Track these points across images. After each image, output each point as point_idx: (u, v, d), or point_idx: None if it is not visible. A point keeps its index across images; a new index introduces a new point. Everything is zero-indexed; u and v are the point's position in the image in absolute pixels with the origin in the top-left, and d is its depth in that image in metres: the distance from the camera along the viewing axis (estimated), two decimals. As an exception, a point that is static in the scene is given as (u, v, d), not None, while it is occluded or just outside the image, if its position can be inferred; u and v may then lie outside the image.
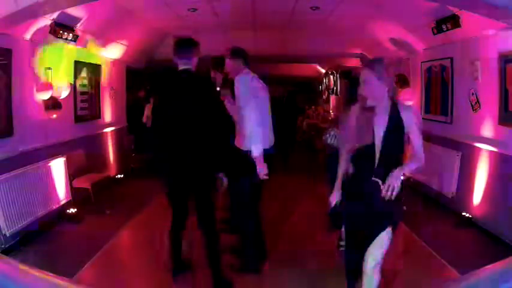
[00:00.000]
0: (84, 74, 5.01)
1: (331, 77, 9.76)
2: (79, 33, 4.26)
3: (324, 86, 10.94)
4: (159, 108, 2.64)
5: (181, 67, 2.59)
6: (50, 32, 3.81)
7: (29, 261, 3.20)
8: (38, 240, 3.70)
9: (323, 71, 10.89)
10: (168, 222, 2.88)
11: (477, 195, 3.94)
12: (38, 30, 3.72)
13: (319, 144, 6.50)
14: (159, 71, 2.75)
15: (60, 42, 4.08)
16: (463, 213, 4.04)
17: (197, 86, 2.64)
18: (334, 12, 5.15)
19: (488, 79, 3.73)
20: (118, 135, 6.20)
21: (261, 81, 3.03)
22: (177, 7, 4.90)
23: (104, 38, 5.14)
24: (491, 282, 0.94)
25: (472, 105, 4.00)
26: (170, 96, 2.60)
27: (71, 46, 4.41)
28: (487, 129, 3.79)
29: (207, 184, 2.70)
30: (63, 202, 4.26)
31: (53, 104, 4.14)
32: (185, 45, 2.64)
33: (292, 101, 8.24)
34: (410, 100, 5.04)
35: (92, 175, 4.66)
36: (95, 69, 5.32)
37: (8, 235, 3.38)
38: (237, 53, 3.00)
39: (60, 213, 4.20)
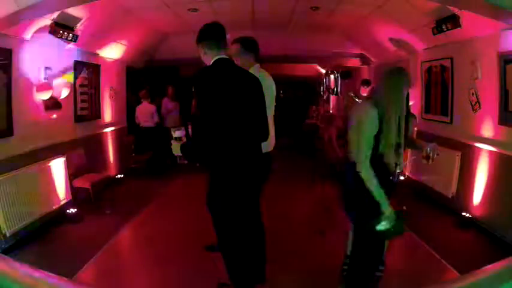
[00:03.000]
0: (84, 74, 5.01)
1: (331, 77, 9.75)
2: (79, 33, 4.26)
3: (324, 86, 10.93)
4: (223, 107, 2.09)
5: (221, 56, 2.24)
6: (50, 32, 3.81)
7: (29, 261, 3.20)
8: (38, 240, 3.70)
9: (323, 71, 10.89)
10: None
11: (477, 195, 3.93)
12: (38, 30, 3.72)
13: (319, 144, 6.49)
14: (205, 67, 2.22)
15: (60, 42, 4.08)
16: (463, 213, 4.04)
17: (250, 77, 2.35)
18: (334, 12, 5.15)
19: (488, 79, 3.73)
20: (118, 135, 6.20)
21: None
22: (177, 7, 4.90)
23: (104, 38, 5.14)
24: (491, 282, 0.94)
25: (472, 105, 4.00)
26: (235, 91, 2.17)
27: (71, 46, 4.42)
28: (487, 129, 3.79)
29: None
30: (63, 202, 4.26)
31: (53, 104, 4.14)
32: (225, 31, 2.28)
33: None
34: (411, 100, 5.03)
35: (92, 175, 4.66)
36: (95, 69, 5.32)
37: (8, 235, 3.38)
38: (249, 46, 2.73)
39: (60, 213, 4.20)
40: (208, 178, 2.30)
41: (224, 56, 2.23)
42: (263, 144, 2.60)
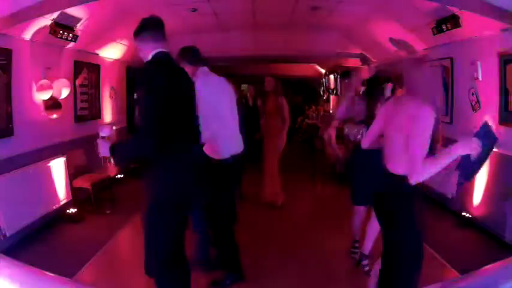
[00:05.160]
0: (84, 74, 5.01)
1: (331, 77, 9.76)
2: (79, 33, 4.26)
3: (324, 86, 10.93)
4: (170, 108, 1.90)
5: (161, 50, 2.05)
6: (50, 32, 3.81)
7: (29, 261, 3.19)
8: (38, 240, 3.71)
9: (323, 71, 10.89)
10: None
11: (477, 195, 3.93)
12: (38, 30, 3.72)
13: (319, 144, 6.49)
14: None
15: (60, 42, 4.08)
16: (463, 213, 4.04)
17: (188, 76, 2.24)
18: (334, 12, 5.15)
19: (488, 79, 3.72)
20: (118, 135, 6.19)
21: (225, 81, 2.81)
22: (177, 7, 4.90)
23: (104, 38, 5.14)
24: (491, 282, 0.94)
25: (472, 105, 4.00)
26: (180, 90, 2.03)
27: (71, 46, 4.42)
28: (487, 129, 3.78)
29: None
30: (63, 202, 4.26)
31: (53, 104, 4.14)
32: (163, 23, 2.11)
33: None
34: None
35: (92, 175, 4.66)
36: (95, 69, 5.32)
37: (8, 235, 3.38)
38: (182, 54, 2.67)
39: (60, 213, 4.20)
40: (147, 183, 2.17)
41: (163, 50, 2.04)
42: (232, 145, 2.67)
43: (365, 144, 2.32)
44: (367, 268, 3.01)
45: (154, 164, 2.03)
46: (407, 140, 1.84)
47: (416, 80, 1.94)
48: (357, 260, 3.07)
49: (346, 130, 3.11)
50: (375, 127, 2.23)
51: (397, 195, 1.98)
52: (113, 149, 1.97)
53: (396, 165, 1.97)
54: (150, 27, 2.05)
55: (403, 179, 1.88)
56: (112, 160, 2.02)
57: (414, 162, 1.79)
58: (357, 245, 3.28)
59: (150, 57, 2.03)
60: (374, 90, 3.05)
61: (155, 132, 1.82)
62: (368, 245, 2.98)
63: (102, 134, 2.11)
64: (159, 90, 1.85)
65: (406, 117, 1.88)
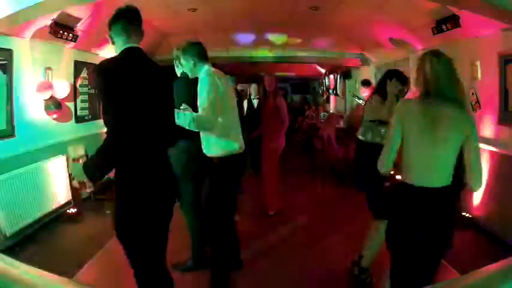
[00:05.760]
0: (84, 74, 5.01)
1: (331, 77, 9.77)
2: (79, 33, 4.26)
3: (324, 86, 10.94)
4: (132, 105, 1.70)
5: (131, 45, 1.84)
6: (50, 32, 3.81)
7: (29, 261, 3.19)
8: (38, 240, 3.70)
9: (323, 71, 10.90)
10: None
11: (477, 195, 3.93)
12: (38, 30, 3.73)
13: (319, 144, 6.49)
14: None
15: (60, 42, 4.09)
16: (463, 213, 4.04)
17: (163, 72, 2.01)
18: (334, 12, 5.15)
19: (488, 79, 3.73)
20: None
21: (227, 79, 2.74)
22: (177, 7, 4.90)
23: (104, 38, 5.15)
24: (491, 282, 0.94)
25: (472, 105, 4.00)
26: (144, 87, 1.79)
27: (71, 46, 4.42)
28: (487, 129, 3.79)
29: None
30: (63, 202, 4.26)
31: (53, 104, 4.14)
32: (138, 16, 1.92)
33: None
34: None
35: (92, 175, 4.65)
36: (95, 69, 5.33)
37: (8, 235, 3.38)
38: (185, 49, 2.62)
39: (60, 213, 4.20)
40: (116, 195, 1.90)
41: (134, 45, 1.84)
42: (232, 143, 2.60)
43: (388, 165, 1.88)
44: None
45: (119, 174, 1.83)
46: (455, 148, 1.72)
47: (442, 79, 1.79)
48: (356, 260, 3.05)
49: (362, 134, 2.86)
50: (398, 138, 1.84)
51: (446, 211, 1.81)
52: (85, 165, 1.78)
53: (439, 177, 1.76)
54: (122, 19, 1.84)
55: (451, 190, 1.75)
56: (88, 179, 1.79)
57: (481, 171, 1.72)
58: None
59: (119, 52, 1.82)
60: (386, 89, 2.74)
61: (115, 132, 1.64)
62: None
63: (73, 155, 1.92)
64: (115, 89, 1.65)
65: (452, 124, 1.74)
